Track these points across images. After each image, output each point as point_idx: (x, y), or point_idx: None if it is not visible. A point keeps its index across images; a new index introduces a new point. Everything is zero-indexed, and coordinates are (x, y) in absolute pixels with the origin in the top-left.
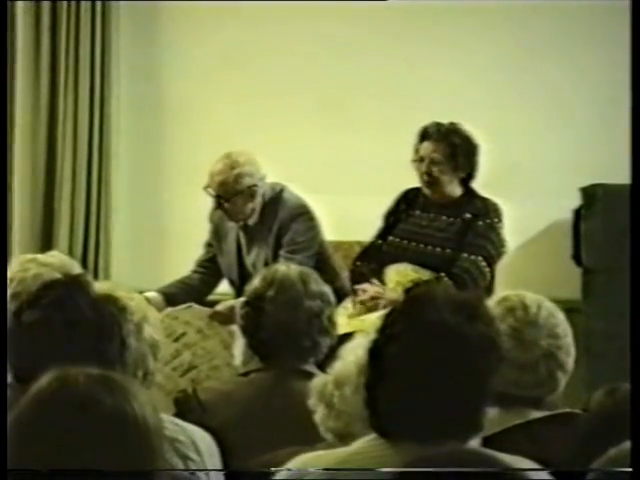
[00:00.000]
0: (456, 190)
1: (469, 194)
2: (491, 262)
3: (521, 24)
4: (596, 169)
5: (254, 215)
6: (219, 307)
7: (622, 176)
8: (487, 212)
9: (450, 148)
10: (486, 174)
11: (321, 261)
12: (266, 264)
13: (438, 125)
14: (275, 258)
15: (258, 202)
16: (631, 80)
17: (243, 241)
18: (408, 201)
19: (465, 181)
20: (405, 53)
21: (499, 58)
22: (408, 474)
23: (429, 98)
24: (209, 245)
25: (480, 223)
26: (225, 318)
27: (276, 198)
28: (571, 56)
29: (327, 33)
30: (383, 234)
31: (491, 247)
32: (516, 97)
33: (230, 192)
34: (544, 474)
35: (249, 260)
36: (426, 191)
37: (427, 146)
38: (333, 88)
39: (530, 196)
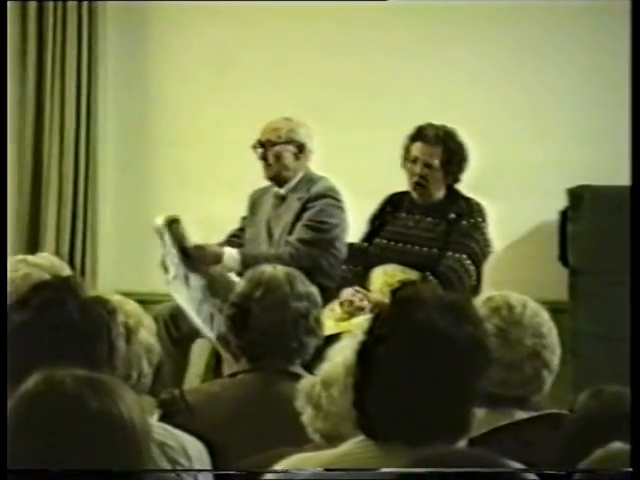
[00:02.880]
0: (441, 193)
1: (453, 195)
2: (476, 260)
3: (518, 24)
4: (583, 170)
5: (292, 181)
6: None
7: (609, 177)
8: (471, 212)
9: (447, 154)
10: (474, 175)
11: (331, 256)
12: (282, 231)
13: (435, 128)
14: (292, 229)
15: (301, 169)
16: (631, 80)
17: (271, 209)
18: (393, 204)
19: (449, 185)
20: (396, 53)
21: (492, 58)
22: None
23: (420, 99)
24: (244, 218)
25: (464, 223)
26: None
27: (314, 178)
28: (566, 57)
29: (317, 33)
30: (369, 237)
31: (475, 245)
32: (505, 98)
33: (281, 138)
34: (531, 475)
35: (267, 227)
36: (413, 193)
37: (422, 148)
38: (323, 88)
39: (517, 197)
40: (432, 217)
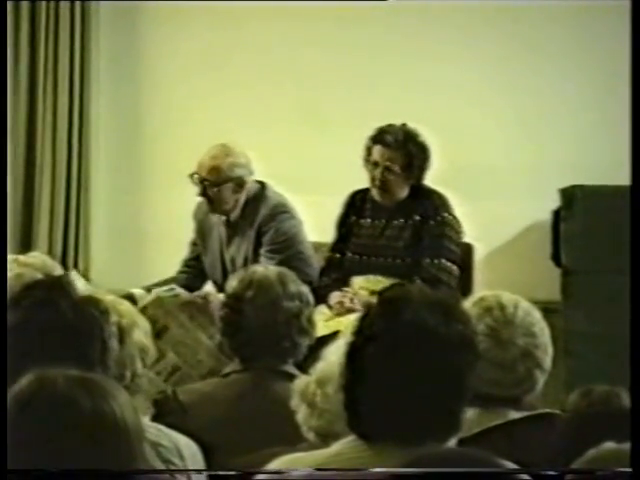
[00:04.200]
0: (404, 193)
1: (415, 192)
2: (455, 259)
3: (517, 24)
4: (575, 170)
5: (236, 209)
6: (191, 298)
7: (601, 177)
8: (435, 208)
9: (407, 157)
10: (466, 174)
11: (302, 260)
12: (245, 260)
13: (395, 131)
14: (256, 255)
15: (242, 197)
16: (631, 81)
17: (224, 237)
18: (356, 209)
19: (413, 184)
20: (385, 52)
21: (489, 58)
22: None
23: (411, 100)
24: (194, 244)
25: (432, 223)
26: (199, 308)
27: (258, 194)
28: (564, 57)
29: (306, 33)
30: (338, 246)
31: (450, 243)
32: (496, 98)
33: (221, 178)
34: (524, 475)
35: (228, 255)
36: (376, 195)
37: (383, 152)
38: (314, 88)
39: (509, 197)
40: (396, 219)
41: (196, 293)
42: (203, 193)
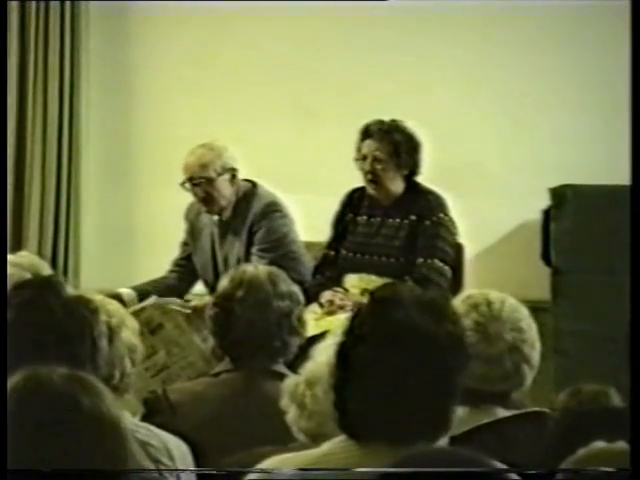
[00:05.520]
0: (399, 187)
1: (412, 189)
2: (448, 260)
3: (517, 23)
4: (566, 170)
5: (228, 208)
6: (197, 304)
7: (592, 177)
8: (431, 209)
9: (392, 146)
10: (456, 173)
11: (293, 260)
12: (238, 259)
13: (380, 123)
14: (248, 255)
15: (234, 193)
16: (631, 81)
17: (217, 237)
18: (353, 206)
19: (408, 178)
20: (378, 51)
21: (487, 57)
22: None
23: (402, 98)
24: (185, 244)
25: (427, 223)
26: (196, 311)
27: (249, 193)
28: (555, 57)
29: (297, 32)
30: (334, 244)
31: (444, 244)
32: (488, 97)
33: (215, 172)
34: (513, 475)
35: (220, 255)
36: (370, 189)
37: (369, 144)
38: (305, 87)
39: (500, 196)
40: (393, 218)
41: (187, 304)
42: (203, 197)
